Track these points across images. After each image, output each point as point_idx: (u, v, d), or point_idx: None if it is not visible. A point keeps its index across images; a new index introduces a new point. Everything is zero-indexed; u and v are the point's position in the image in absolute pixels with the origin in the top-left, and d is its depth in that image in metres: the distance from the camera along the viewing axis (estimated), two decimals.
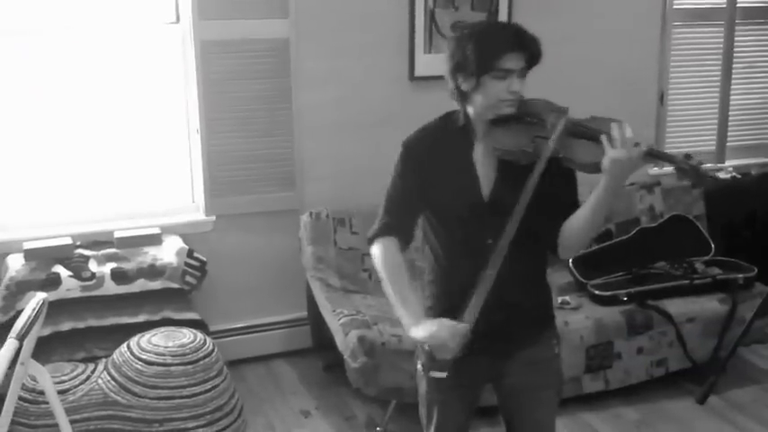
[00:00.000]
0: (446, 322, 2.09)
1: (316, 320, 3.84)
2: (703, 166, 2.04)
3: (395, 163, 2.26)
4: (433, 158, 2.21)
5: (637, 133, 2.05)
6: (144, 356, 3.29)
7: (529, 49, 2.08)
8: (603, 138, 2.03)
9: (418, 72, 4.16)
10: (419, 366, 2.35)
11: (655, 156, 2.06)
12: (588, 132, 2.10)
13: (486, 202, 2.17)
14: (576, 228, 2.13)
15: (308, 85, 4.00)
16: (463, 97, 2.16)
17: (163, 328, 3.46)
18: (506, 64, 2.07)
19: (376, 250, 2.25)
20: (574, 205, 2.18)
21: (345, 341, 3.38)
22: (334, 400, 3.80)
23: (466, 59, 2.08)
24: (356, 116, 4.12)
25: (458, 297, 2.15)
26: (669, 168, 2.11)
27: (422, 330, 2.09)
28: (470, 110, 2.17)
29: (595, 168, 2.06)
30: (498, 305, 2.13)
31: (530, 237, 2.11)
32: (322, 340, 3.80)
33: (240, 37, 3.84)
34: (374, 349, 3.33)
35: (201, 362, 3.32)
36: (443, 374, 2.09)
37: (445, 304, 2.22)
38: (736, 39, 4.89)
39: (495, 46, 2.07)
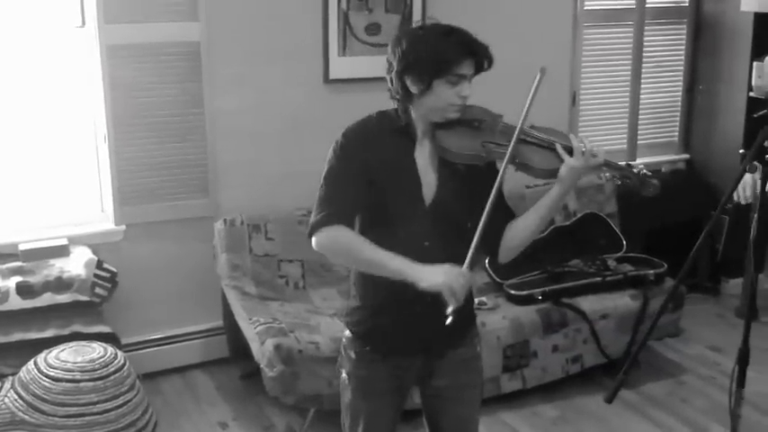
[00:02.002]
0: (449, 268, 2.03)
1: (232, 329, 3.77)
2: (644, 172, 2.15)
3: (330, 156, 2.16)
4: (373, 153, 2.14)
5: None
6: (52, 373, 3.19)
7: (481, 55, 2.10)
8: (559, 147, 2.11)
9: (333, 75, 4.14)
10: (344, 375, 2.32)
11: (608, 166, 2.14)
12: (540, 141, 2.16)
13: (427, 205, 2.16)
14: (523, 231, 2.18)
15: (221, 90, 3.94)
16: (409, 98, 2.12)
17: (72, 343, 3.36)
18: (461, 70, 2.07)
19: (324, 238, 2.12)
20: (508, 208, 2.23)
21: (262, 350, 3.34)
22: (252, 410, 3.75)
23: (420, 62, 2.06)
24: (271, 120, 4.07)
25: (390, 296, 2.17)
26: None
27: (434, 278, 2.02)
28: (413, 111, 2.15)
29: (550, 175, 2.13)
30: (440, 305, 2.15)
31: (463, 237, 2.10)
32: (239, 349, 3.73)
33: (148, 41, 3.74)
34: (291, 357, 3.29)
35: (112, 377, 3.23)
36: (450, 319, 2.05)
37: (377, 303, 2.22)
38: (645, 39, 5.01)
39: (452, 51, 2.06)
